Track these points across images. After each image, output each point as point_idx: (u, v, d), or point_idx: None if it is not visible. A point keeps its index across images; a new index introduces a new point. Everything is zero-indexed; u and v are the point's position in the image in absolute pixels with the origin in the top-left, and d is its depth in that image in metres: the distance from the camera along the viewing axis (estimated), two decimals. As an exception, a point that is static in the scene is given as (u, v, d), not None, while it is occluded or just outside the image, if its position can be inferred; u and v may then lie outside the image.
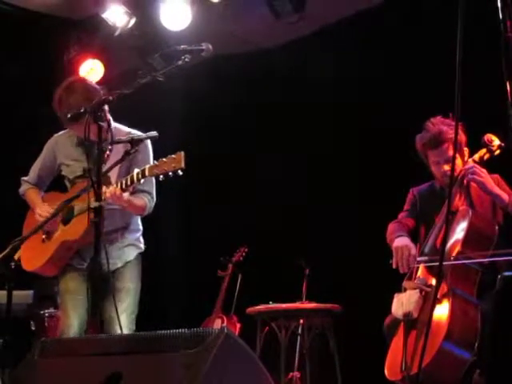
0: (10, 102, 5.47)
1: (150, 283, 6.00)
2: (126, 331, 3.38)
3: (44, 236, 3.58)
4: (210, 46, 3.13)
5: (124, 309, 3.41)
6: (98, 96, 3.51)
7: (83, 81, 3.63)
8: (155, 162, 3.13)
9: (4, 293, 2.80)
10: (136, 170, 3.16)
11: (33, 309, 4.82)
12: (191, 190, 6.20)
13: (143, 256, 3.73)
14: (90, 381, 2.17)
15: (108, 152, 3.06)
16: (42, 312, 4.75)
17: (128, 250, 3.64)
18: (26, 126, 5.52)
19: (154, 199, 3.65)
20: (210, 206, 6.02)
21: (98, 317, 2.97)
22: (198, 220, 6.18)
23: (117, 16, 5.39)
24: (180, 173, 3.00)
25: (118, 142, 3.13)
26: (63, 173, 3.71)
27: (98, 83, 5.77)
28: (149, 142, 3.53)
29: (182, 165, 2.98)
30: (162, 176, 3.06)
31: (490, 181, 3.29)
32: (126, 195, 3.33)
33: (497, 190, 3.28)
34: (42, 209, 3.63)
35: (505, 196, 3.28)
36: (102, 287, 3.00)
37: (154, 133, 3.02)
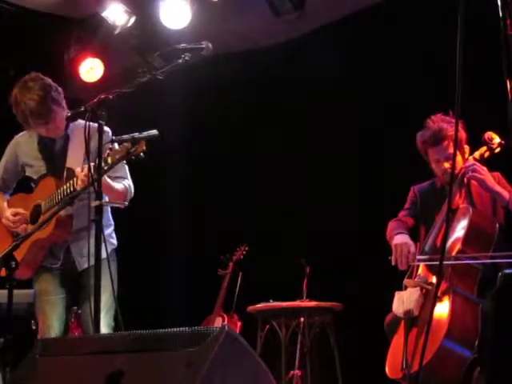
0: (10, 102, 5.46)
1: (150, 282, 5.99)
2: (106, 329, 3.34)
3: (13, 238, 3.47)
4: (210, 45, 3.10)
5: (102, 307, 3.21)
6: (56, 93, 3.47)
7: (39, 79, 3.50)
8: (117, 147, 3.03)
9: (5, 292, 2.79)
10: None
11: (34, 308, 4.80)
12: (191, 190, 6.20)
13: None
14: (91, 379, 2.17)
15: (108, 151, 3.02)
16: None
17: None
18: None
19: (132, 183, 3.56)
20: (210, 205, 6.02)
21: (90, 316, 2.94)
22: (198, 219, 6.17)
23: (117, 15, 5.39)
24: (142, 155, 2.92)
25: (119, 141, 3.10)
26: (27, 173, 3.64)
27: (98, 82, 5.83)
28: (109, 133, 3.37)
29: (144, 148, 2.90)
30: (124, 160, 3.01)
31: (491, 178, 3.29)
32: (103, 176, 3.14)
33: (497, 188, 3.28)
34: (7, 213, 3.57)
35: (505, 194, 3.28)
36: (88, 285, 2.96)
37: (154, 131, 2.96)
